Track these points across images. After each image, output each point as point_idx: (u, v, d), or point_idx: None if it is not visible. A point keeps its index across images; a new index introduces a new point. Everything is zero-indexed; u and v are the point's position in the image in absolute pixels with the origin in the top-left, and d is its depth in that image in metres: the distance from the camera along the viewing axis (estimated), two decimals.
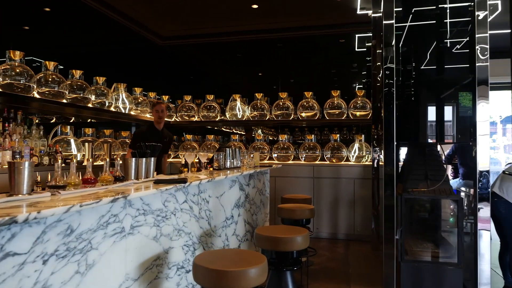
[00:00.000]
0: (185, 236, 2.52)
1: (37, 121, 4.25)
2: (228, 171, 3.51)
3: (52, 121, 5.82)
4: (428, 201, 3.72)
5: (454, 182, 4.85)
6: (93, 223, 1.60)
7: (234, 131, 7.53)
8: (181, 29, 6.91)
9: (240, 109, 6.43)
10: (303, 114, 6.11)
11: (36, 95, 4.11)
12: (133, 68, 7.65)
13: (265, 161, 6.07)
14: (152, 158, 2.35)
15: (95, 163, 4.39)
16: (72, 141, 4.61)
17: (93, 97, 4.97)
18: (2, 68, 3.79)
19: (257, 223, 4.37)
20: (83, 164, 4.41)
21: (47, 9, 5.88)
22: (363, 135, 5.96)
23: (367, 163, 5.71)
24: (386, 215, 3.38)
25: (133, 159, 2.16)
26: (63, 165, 4.30)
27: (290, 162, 5.99)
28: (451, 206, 4.36)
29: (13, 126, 3.92)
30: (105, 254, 1.68)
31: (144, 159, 2.24)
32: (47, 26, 6.50)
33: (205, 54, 8.14)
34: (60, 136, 4.55)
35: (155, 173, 2.46)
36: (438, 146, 3.82)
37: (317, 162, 5.90)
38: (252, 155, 4.42)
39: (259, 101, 6.37)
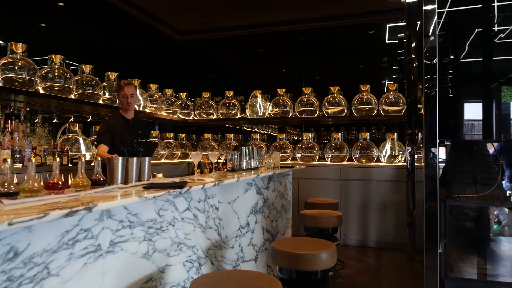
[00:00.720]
0: (188, 250, 2.13)
1: (38, 119, 3.99)
2: (244, 173, 3.11)
3: (69, 119, 5.61)
4: (477, 208, 3.19)
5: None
6: (51, 242, 1.23)
7: (256, 129, 7.12)
8: (200, 22, 6.57)
9: (261, 106, 6.02)
10: (329, 111, 5.62)
11: (41, 91, 3.84)
12: (150, 65, 7.41)
13: (288, 162, 5.64)
14: (147, 158, 1.98)
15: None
16: (80, 139, 4.34)
17: (107, 94, 4.68)
18: (3, 61, 3.54)
19: (278, 230, 3.95)
20: (92, 164, 4.13)
21: (61, 4, 5.67)
22: (395, 133, 5.41)
23: (400, 163, 5.17)
24: (427, 224, 2.88)
25: (120, 158, 1.79)
26: (70, 165, 4.06)
27: (315, 162, 5.53)
28: (495, 212, 3.79)
29: (16, 123, 3.67)
30: (70, 281, 1.31)
31: (135, 158, 1.87)
32: (61, 22, 6.32)
33: (225, 49, 7.79)
34: (68, 134, 4.29)
35: (150, 174, 2.09)
36: (489, 145, 3.28)
37: (344, 162, 5.41)
38: (272, 155, 4.00)
39: (281, 97, 5.93)
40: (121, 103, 3.38)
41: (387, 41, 7.14)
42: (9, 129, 3.62)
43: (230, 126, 6.86)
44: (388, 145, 5.36)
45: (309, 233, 3.31)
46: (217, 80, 9.07)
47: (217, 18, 6.48)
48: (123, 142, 3.04)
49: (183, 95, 6.37)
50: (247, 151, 3.49)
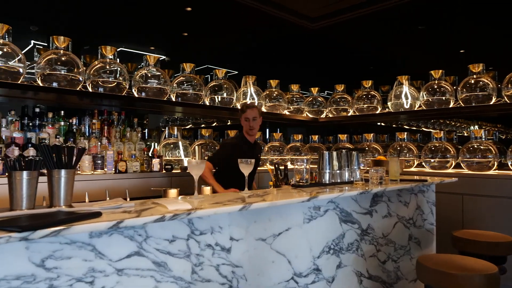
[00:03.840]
0: None
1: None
2: (319, 191, 2.04)
3: (201, 125, 5.56)
4: None
5: None
6: None
7: (405, 126, 5.49)
8: (333, 2, 5.52)
9: (408, 96, 4.53)
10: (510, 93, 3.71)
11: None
12: (276, 60, 6.79)
13: (450, 171, 4.00)
14: (63, 173, 1.28)
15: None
16: (180, 144, 4.04)
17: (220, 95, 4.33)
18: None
19: (400, 275, 2.63)
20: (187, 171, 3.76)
21: (189, 9, 5.67)
22: None
23: None
24: None
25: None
26: (163, 171, 3.79)
27: (490, 172, 3.72)
28: None
29: (108, 129, 3.61)
30: None
31: (24, 173, 1.20)
32: (194, 28, 6.38)
33: (365, 31, 6.41)
34: (168, 139, 4.06)
35: (68, 198, 1.36)
36: None
37: None
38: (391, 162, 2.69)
39: (436, 81, 4.31)
40: (244, 126, 3.13)
41: None
42: (104, 134, 3.57)
43: (372, 121, 5.52)
44: None
45: None
46: (354, 69, 7.69)
47: None
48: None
49: (314, 90, 5.46)
50: (332, 156, 2.37)
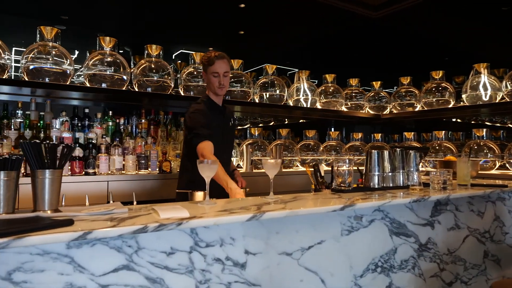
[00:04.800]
0: None
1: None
2: (362, 197, 1.72)
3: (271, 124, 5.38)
4: None
5: None
6: None
7: (486, 122, 4.74)
8: None
9: (488, 86, 3.90)
10: None
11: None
12: (335, 55, 6.36)
13: None
14: (47, 173, 1.14)
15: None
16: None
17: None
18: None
19: None
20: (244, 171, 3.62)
21: (242, 5, 5.53)
22: None
23: None
24: None
25: None
26: None
27: None
28: None
29: (154, 128, 3.57)
30: None
31: (1, 173, 1.07)
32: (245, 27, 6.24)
33: (435, 16, 5.70)
34: None
35: (60, 200, 1.21)
36: None
37: None
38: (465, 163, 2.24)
39: None
40: (212, 84, 2.24)
41: None
42: (151, 133, 3.55)
43: (444, 118, 4.88)
44: None
45: None
46: (421, 59, 6.89)
47: None
48: (217, 135, 2.20)
49: (376, 84, 4.99)
50: (383, 156, 2.00)
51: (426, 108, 4.43)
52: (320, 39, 6.73)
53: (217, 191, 1.85)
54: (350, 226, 1.68)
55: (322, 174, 2.20)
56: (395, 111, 4.75)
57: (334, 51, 7.03)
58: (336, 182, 1.89)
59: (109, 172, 3.04)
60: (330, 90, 4.57)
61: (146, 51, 3.46)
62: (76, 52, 5.97)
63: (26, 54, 2.90)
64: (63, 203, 1.65)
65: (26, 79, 2.88)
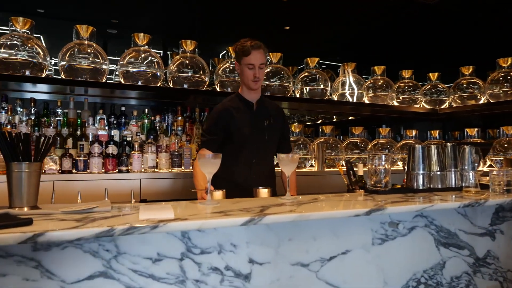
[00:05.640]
0: None
1: None
2: (399, 199, 1.45)
3: (318, 121, 5.15)
4: None
5: None
6: None
7: None
8: None
9: None
10: None
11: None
12: (386, 47, 5.89)
13: None
14: (24, 166, 1.03)
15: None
16: None
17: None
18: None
19: None
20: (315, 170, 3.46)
21: None
22: None
23: None
24: None
25: None
26: None
27: None
28: None
29: (190, 126, 3.48)
30: None
31: None
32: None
33: None
34: None
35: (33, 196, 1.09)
36: None
37: None
38: None
39: None
40: (244, 77, 2.04)
41: None
42: (187, 131, 3.47)
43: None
44: None
45: None
46: (486, 49, 6.12)
47: None
48: (243, 136, 2.01)
49: (433, 76, 4.51)
50: (429, 153, 1.69)
51: (492, 101, 3.90)
52: (370, 31, 6.30)
53: (235, 190, 1.67)
54: (383, 234, 1.41)
55: (361, 173, 1.93)
56: (455, 105, 4.25)
57: (384, 44, 6.54)
58: (370, 182, 1.62)
59: (142, 170, 2.99)
60: (379, 83, 4.20)
61: (181, 48, 3.39)
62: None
63: (63, 53, 2.93)
64: (79, 200, 1.57)
65: (63, 78, 2.91)
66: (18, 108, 3.09)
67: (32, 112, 3.06)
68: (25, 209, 1.05)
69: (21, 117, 3.04)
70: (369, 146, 4.05)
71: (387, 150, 4.12)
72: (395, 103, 4.23)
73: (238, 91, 2.15)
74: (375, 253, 1.39)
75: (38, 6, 5.19)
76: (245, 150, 1.99)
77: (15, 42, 2.74)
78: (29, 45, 2.84)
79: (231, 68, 3.40)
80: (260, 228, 1.19)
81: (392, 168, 3.49)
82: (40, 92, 3.04)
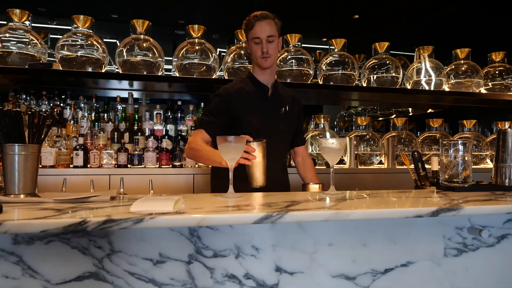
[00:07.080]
0: None
1: None
2: (482, 198, 1.11)
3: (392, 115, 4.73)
4: None
5: None
6: None
7: None
8: None
9: None
10: None
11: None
12: (465, 34, 5.14)
13: None
14: (17, 149, 0.92)
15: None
16: (328, 134, 3.38)
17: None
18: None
19: None
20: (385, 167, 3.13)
21: None
22: None
23: None
24: None
25: None
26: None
27: None
28: None
29: None
30: None
31: None
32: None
33: None
34: (314, 130, 3.47)
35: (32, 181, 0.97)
36: None
37: None
38: None
39: None
40: (252, 55, 1.77)
41: None
42: None
43: None
44: None
45: None
46: None
47: None
48: (255, 125, 1.71)
49: (499, 56, 3.80)
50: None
51: None
52: (450, 16, 5.59)
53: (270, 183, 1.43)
54: (461, 243, 1.07)
55: (436, 168, 1.58)
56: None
57: (466, 28, 5.76)
58: (444, 176, 1.27)
59: (196, 165, 2.89)
60: (463, 68, 3.64)
61: (235, 38, 3.24)
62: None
63: (121, 48, 2.94)
64: (91, 189, 1.47)
65: (121, 72, 2.92)
66: (81, 104, 3.20)
67: (94, 108, 3.14)
68: (21, 196, 0.94)
69: (83, 112, 3.13)
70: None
71: (473, 145, 3.55)
72: (482, 90, 3.64)
73: (246, 74, 1.87)
74: (448, 267, 1.06)
75: (111, 11, 5.46)
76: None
77: (77, 40, 2.80)
78: (89, 42, 2.89)
79: (288, 57, 3.17)
80: (290, 229, 0.95)
81: (478, 166, 2.96)
82: (99, 88, 3.10)
